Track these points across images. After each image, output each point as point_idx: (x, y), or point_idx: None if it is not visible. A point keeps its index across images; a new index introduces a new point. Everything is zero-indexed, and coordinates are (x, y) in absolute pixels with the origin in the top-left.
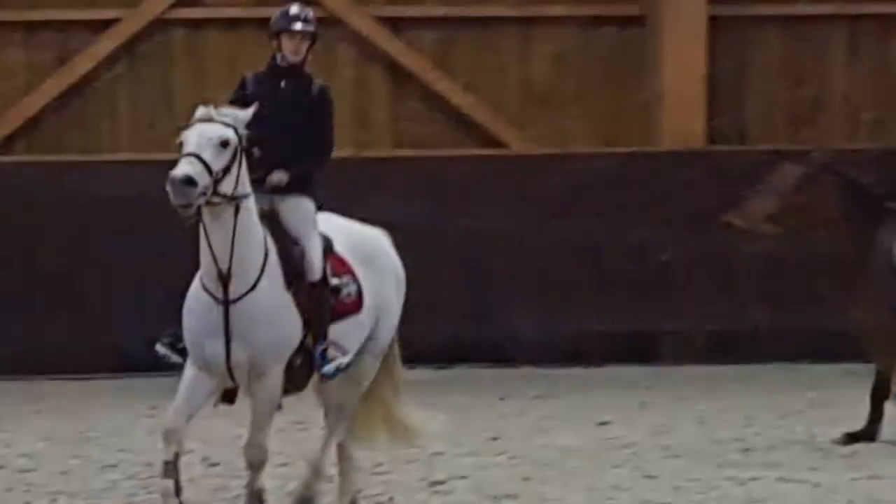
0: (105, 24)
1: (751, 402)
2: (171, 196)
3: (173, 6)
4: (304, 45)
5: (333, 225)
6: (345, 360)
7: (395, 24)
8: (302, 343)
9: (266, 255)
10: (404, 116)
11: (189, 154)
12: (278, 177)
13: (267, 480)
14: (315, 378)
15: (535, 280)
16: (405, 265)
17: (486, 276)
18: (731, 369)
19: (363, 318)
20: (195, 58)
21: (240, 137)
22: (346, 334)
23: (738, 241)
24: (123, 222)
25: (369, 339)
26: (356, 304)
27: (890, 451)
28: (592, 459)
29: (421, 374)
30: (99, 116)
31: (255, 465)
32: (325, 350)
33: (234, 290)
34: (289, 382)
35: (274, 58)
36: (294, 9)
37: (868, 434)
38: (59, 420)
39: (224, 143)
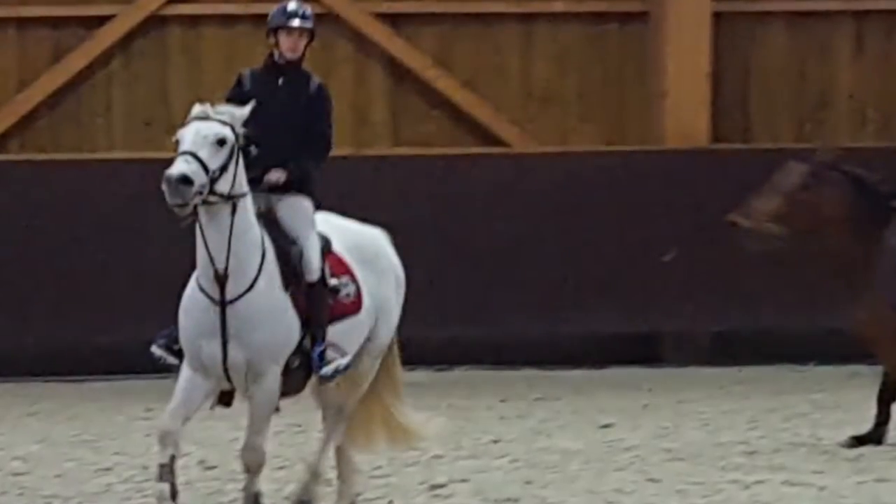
0: (100, 21)
1: (755, 404)
2: (167, 195)
3: (169, 2)
4: (302, 42)
5: (332, 224)
6: (343, 361)
7: (395, 21)
8: (300, 344)
9: (263, 255)
10: (404, 114)
11: (185, 152)
12: (276, 176)
13: (264, 484)
14: (313, 380)
15: (537, 280)
16: (405, 265)
17: (487, 276)
18: (736, 371)
19: (362, 319)
20: (191, 55)
21: (237, 136)
22: (344, 335)
23: (743, 241)
24: (118, 222)
25: (368, 340)
26: (355, 305)
27: None
28: (594, 462)
29: (420, 375)
30: (94, 114)
31: (253, 469)
32: (323, 351)
33: (231, 290)
34: (286, 384)
35: (271, 55)
36: (292, 5)
37: (875, 437)
38: (53, 422)
39: (221, 142)
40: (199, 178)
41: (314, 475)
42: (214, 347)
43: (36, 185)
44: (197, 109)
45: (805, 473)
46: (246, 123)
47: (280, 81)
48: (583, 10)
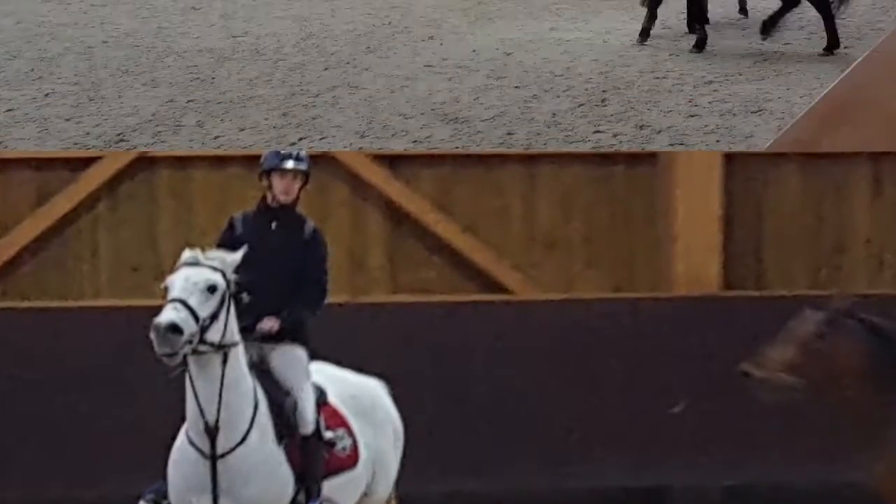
0: (85, 162)
1: None
2: (156, 344)
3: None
4: (296, 185)
5: (327, 375)
6: None
7: (392, 163)
8: (294, 500)
9: (256, 406)
10: (402, 260)
11: (174, 300)
12: (269, 324)
13: None
14: None
15: (541, 432)
16: (403, 416)
17: (489, 427)
18: None
19: (359, 473)
20: (181, 197)
21: (228, 282)
22: (340, 490)
23: (756, 392)
24: (105, 371)
25: (365, 494)
26: (351, 459)
27: None
28: None
29: None
30: (79, 259)
31: None
32: None
33: (222, 443)
34: None
35: (264, 198)
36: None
37: None
38: None
39: (211, 289)
40: (189, 327)
41: None
42: (205, 503)
43: (19, 334)
44: (187, 255)
45: None
46: (237, 269)
47: (273, 226)
48: (588, 150)
